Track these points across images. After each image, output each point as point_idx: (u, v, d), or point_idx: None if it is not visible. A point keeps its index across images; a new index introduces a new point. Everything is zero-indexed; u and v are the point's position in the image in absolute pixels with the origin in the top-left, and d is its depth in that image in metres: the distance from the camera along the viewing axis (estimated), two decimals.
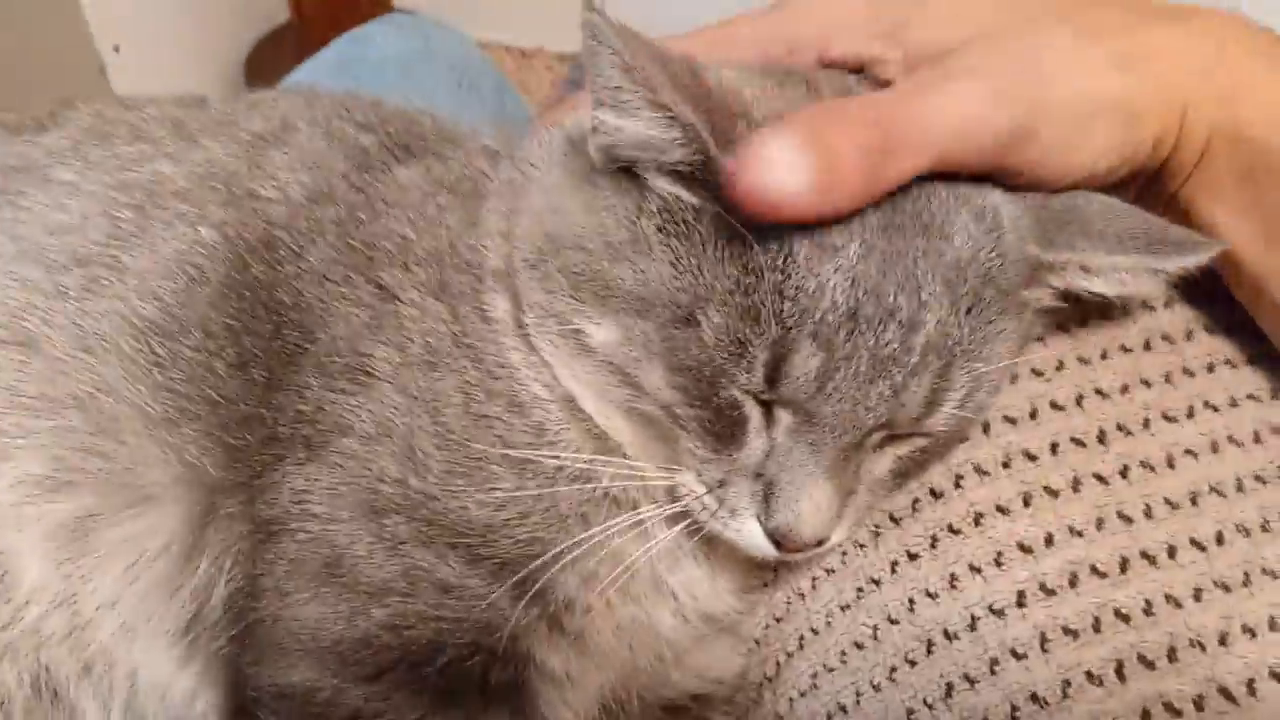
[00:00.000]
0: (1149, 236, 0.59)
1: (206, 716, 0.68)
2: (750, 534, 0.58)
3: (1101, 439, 0.65)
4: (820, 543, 0.58)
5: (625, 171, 0.59)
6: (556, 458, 0.61)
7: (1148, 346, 0.69)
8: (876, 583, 0.65)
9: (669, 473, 0.60)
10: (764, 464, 0.57)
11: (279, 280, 0.66)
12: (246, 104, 0.76)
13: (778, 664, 0.70)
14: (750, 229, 0.53)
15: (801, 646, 0.68)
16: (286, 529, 0.62)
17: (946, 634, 0.61)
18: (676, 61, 0.55)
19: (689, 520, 0.61)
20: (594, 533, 0.60)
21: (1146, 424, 0.66)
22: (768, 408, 0.57)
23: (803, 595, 0.69)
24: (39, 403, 0.63)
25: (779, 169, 0.50)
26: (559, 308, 0.60)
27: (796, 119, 0.52)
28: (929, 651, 0.62)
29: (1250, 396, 0.67)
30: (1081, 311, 0.70)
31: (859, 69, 0.65)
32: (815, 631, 0.67)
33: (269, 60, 2.32)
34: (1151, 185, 0.64)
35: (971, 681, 0.60)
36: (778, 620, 0.71)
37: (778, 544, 0.58)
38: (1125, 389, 0.67)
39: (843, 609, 0.67)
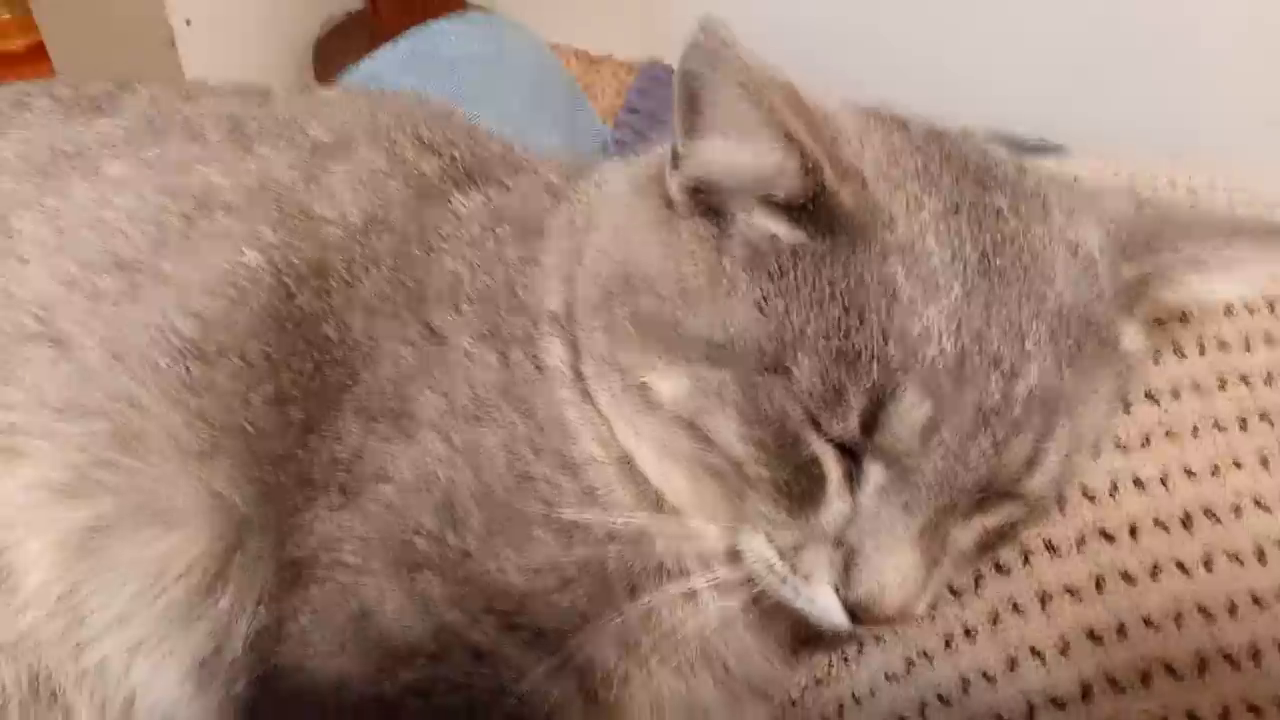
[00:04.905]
0: (1255, 226, 0.57)
1: None
2: (825, 605, 0.54)
3: (1186, 524, 0.60)
4: (902, 616, 0.54)
5: (703, 213, 0.56)
6: (607, 522, 0.57)
7: (1243, 426, 0.64)
8: (929, 657, 0.61)
9: (734, 535, 0.56)
10: (845, 530, 0.53)
11: (325, 312, 0.62)
12: (310, 104, 0.73)
13: None
14: (856, 265, 0.51)
15: (841, 715, 0.64)
16: (314, 576, 0.59)
17: None
18: (786, 86, 0.52)
19: (749, 588, 0.57)
20: (643, 603, 0.56)
21: (1237, 511, 0.61)
22: (854, 463, 0.52)
23: (846, 659, 0.65)
24: (65, 406, 0.61)
25: None
26: (624, 359, 0.56)
27: None
28: None
29: None
30: (1171, 381, 0.65)
31: None
32: (857, 700, 0.63)
33: (339, 46, 2.31)
34: None
35: None
36: (818, 682, 0.66)
37: (855, 616, 0.53)
38: (1216, 470, 0.62)
39: (889, 679, 0.62)
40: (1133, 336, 0.57)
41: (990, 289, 0.51)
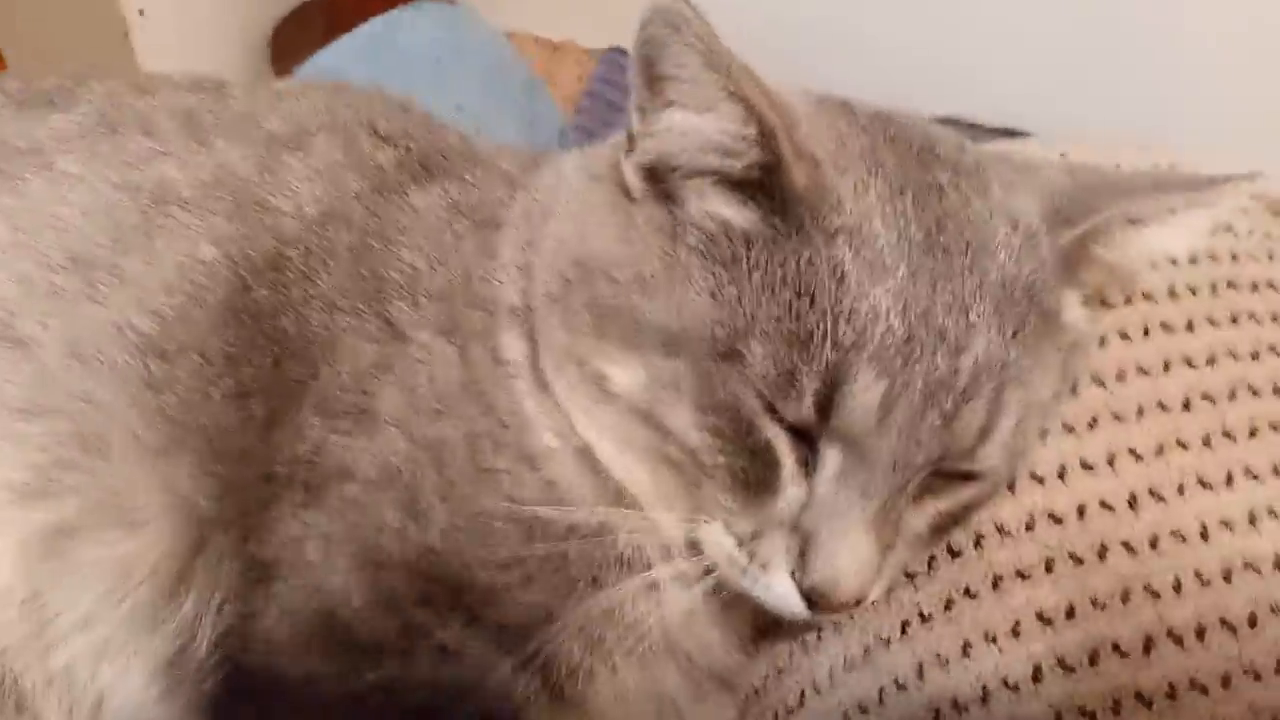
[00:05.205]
0: (1185, 180, 0.58)
1: None
2: (782, 592, 0.54)
3: (1133, 505, 0.62)
4: (858, 602, 0.54)
5: (658, 199, 0.56)
6: (568, 515, 0.57)
7: (1187, 406, 0.65)
8: (886, 642, 0.62)
9: (692, 525, 0.56)
10: (800, 516, 0.53)
11: (283, 305, 0.62)
12: (267, 98, 0.72)
13: (775, 718, 0.66)
14: (805, 248, 0.51)
15: (802, 703, 0.65)
16: (279, 575, 0.58)
17: (956, 705, 0.58)
18: (745, 66, 0.52)
19: (710, 578, 0.57)
20: (605, 597, 0.56)
21: (1181, 491, 0.62)
22: (810, 449, 0.53)
23: (806, 648, 0.66)
24: (26, 406, 0.60)
25: None
26: (580, 350, 0.57)
27: None
28: None
29: None
30: (1117, 364, 0.67)
31: None
32: (818, 690, 0.64)
33: (296, 35, 2.28)
34: None
35: None
36: (779, 671, 0.67)
37: (812, 603, 0.54)
38: (1161, 451, 0.64)
39: (848, 667, 0.63)
40: (1075, 307, 0.58)
41: (935, 266, 0.52)
